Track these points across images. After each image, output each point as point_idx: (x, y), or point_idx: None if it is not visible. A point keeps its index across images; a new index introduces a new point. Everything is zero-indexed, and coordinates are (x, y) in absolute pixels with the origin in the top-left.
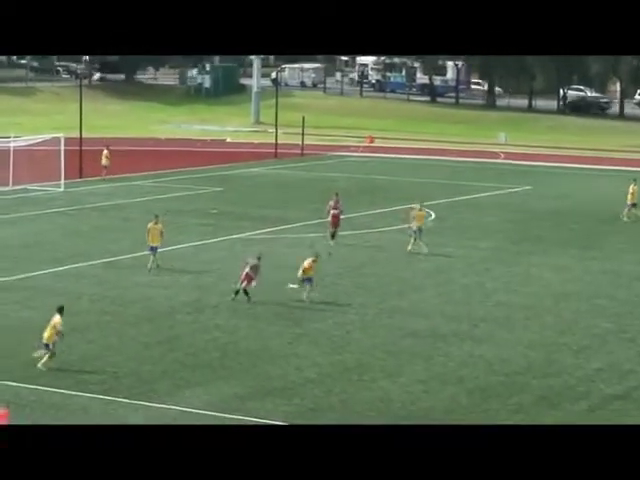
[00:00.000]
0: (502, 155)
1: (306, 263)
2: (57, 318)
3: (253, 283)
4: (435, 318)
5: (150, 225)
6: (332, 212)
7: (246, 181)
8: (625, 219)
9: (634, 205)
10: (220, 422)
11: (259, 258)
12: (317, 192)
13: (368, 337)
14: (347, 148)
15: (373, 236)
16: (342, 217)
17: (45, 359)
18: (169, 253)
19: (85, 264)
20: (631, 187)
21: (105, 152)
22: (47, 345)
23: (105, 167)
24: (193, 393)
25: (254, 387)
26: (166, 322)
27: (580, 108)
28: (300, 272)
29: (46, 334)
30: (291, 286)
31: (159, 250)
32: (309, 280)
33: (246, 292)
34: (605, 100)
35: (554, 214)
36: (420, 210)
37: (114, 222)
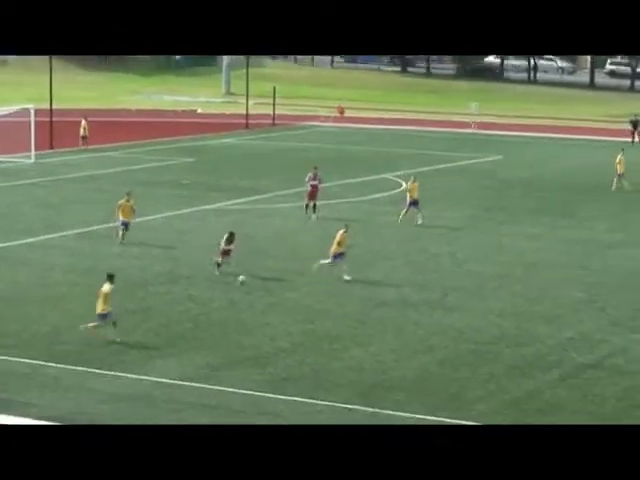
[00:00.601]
0: (473, 125)
1: (338, 236)
2: (107, 287)
3: (232, 253)
4: (406, 287)
5: (122, 202)
6: (311, 183)
7: (218, 152)
8: (614, 188)
9: (621, 175)
10: (192, 392)
11: (232, 234)
12: (289, 162)
13: (340, 307)
14: (318, 118)
15: (344, 206)
16: (319, 188)
17: (112, 330)
18: (142, 224)
19: (57, 235)
20: (619, 157)
21: (83, 123)
22: (104, 316)
23: (84, 137)
24: (165, 363)
25: (227, 357)
26: (139, 293)
27: (477, 73)
28: (335, 247)
29: (99, 306)
30: (322, 262)
31: (131, 224)
32: (341, 255)
33: (219, 265)
34: (497, 64)
35: (526, 183)
36: (414, 182)
37: (86, 193)
